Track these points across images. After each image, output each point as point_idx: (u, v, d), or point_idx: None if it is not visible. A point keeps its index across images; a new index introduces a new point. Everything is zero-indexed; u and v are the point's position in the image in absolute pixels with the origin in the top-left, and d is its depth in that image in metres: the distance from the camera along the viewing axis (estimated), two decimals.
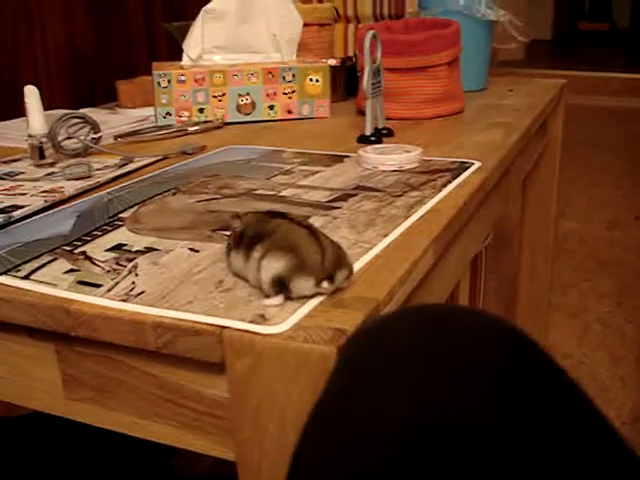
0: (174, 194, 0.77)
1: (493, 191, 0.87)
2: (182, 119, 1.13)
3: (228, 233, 0.56)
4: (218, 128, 1.12)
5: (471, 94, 1.29)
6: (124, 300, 0.52)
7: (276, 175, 0.83)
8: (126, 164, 0.90)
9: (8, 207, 0.73)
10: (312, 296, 0.50)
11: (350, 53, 1.85)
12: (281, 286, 0.49)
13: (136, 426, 0.55)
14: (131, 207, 0.73)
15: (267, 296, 0.50)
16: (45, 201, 0.75)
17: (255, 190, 0.78)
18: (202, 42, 1.20)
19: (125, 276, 0.56)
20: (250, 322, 0.47)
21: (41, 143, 0.91)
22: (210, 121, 1.12)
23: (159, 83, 1.11)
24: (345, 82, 1.33)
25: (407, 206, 0.70)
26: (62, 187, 0.81)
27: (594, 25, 7.60)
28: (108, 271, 0.57)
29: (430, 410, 0.36)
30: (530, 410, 0.37)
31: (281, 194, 0.76)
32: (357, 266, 0.56)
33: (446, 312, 0.44)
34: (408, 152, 0.85)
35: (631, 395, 1.67)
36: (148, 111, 1.21)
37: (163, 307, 0.50)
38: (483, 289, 1.47)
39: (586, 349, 1.86)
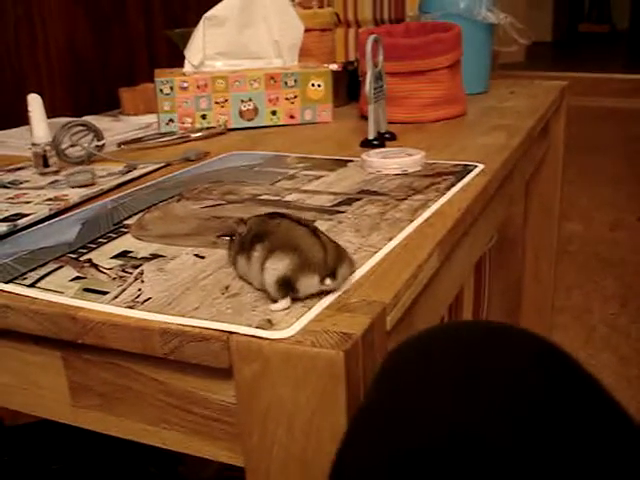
0: (178, 200, 0.78)
1: (497, 193, 0.87)
2: (185, 125, 1.13)
3: (232, 238, 0.57)
4: (221, 134, 1.12)
5: (473, 97, 1.29)
6: (130, 307, 0.52)
7: (280, 180, 0.83)
8: (130, 171, 0.90)
9: (13, 215, 0.73)
10: (317, 295, 0.50)
11: (351, 57, 1.86)
12: (287, 287, 0.48)
13: (144, 433, 0.55)
14: (135, 214, 0.74)
15: (274, 300, 0.50)
16: (50, 209, 0.76)
17: (259, 195, 0.78)
18: (204, 48, 1.21)
19: (131, 283, 0.56)
20: (257, 327, 0.47)
21: (45, 151, 0.92)
22: (213, 127, 1.12)
23: (161, 90, 1.11)
24: (347, 87, 1.33)
25: (411, 210, 0.70)
26: (66, 195, 0.81)
27: (594, 27, 7.60)
28: (114, 278, 0.57)
29: (465, 429, 0.36)
30: (569, 429, 0.37)
31: (285, 199, 0.76)
32: (363, 270, 0.56)
33: (487, 330, 0.45)
34: (411, 156, 0.85)
35: (637, 395, 1.67)
36: (151, 118, 1.21)
37: (170, 313, 0.50)
38: (488, 291, 1.46)
39: (591, 350, 1.86)
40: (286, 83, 1.15)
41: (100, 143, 0.98)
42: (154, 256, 0.61)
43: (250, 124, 1.15)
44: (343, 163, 0.89)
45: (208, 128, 1.11)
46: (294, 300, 0.50)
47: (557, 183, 1.55)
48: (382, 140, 0.99)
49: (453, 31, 1.15)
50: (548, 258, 1.61)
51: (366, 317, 0.49)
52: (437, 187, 0.77)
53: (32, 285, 0.57)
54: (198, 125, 1.13)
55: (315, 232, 0.50)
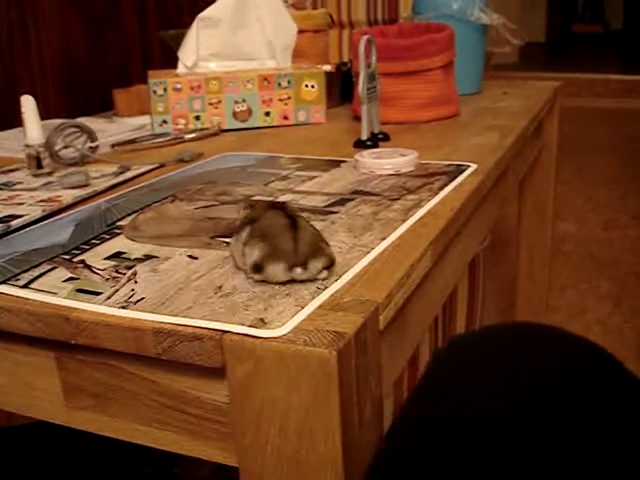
0: (172, 201, 0.78)
1: (490, 193, 0.88)
2: (179, 127, 1.13)
3: (227, 240, 0.59)
4: (215, 135, 1.12)
5: (466, 97, 1.29)
6: (124, 307, 0.52)
7: (273, 181, 0.83)
8: (123, 172, 0.90)
9: (6, 217, 0.73)
10: (288, 282, 0.53)
11: (345, 58, 1.86)
12: (259, 270, 0.53)
13: (138, 433, 0.55)
14: (129, 215, 0.74)
15: (250, 277, 0.54)
16: (43, 210, 0.76)
17: (253, 196, 0.78)
18: (197, 50, 1.21)
19: (124, 283, 0.56)
20: (250, 326, 0.48)
21: (38, 153, 0.92)
22: (207, 128, 1.12)
23: (155, 91, 1.12)
24: (340, 87, 1.33)
25: (404, 209, 0.70)
26: (60, 196, 0.81)
27: (588, 27, 7.62)
28: (107, 279, 0.57)
29: (512, 428, 0.37)
30: (618, 432, 0.37)
31: (278, 200, 0.76)
32: (355, 269, 0.56)
33: (537, 332, 0.45)
34: (404, 156, 0.85)
35: None
36: (145, 119, 1.21)
37: (162, 313, 0.50)
38: (482, 291, 1.47)
39: None
40: (280, 84, 1.15)
41: (94, 144, 0.98)
42: (147, 257, 0.62)
43: (244, 125, 1.15)
44: (336, 164, 0.90)
45: (202, 129, 1.12)
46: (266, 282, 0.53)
47: (550, 183, 1.56)
48: (375, 140, 0.99)
49: (446, 32, 1.16)
50: (542, 258, 1.61)
51: (359, 316, 0.49)
52: (430, 187, 0.77)
53: (25, 286, 0.57)
54: (192, 126, 1.13)
55: (295, 224, 0.54)
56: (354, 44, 1.12)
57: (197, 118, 1.14)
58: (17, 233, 0.70)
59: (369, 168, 0.84)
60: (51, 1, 1.45)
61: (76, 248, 0.65)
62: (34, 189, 0.85)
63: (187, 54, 1.20)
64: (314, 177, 0.84)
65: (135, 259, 0.61)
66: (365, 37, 1.00)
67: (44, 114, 0.96)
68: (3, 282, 0.57)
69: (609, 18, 7.54)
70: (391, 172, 0.83)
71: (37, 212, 0.75)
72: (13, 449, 1.04)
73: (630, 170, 3.14)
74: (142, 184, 0.86)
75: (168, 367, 0.51)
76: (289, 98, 1.16)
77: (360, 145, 0.98)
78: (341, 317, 0.49)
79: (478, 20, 1.31)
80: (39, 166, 0.92)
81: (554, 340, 0.44)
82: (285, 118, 1.17)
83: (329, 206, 0.73)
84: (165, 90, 1.12)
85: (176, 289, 0.54)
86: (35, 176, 0.91)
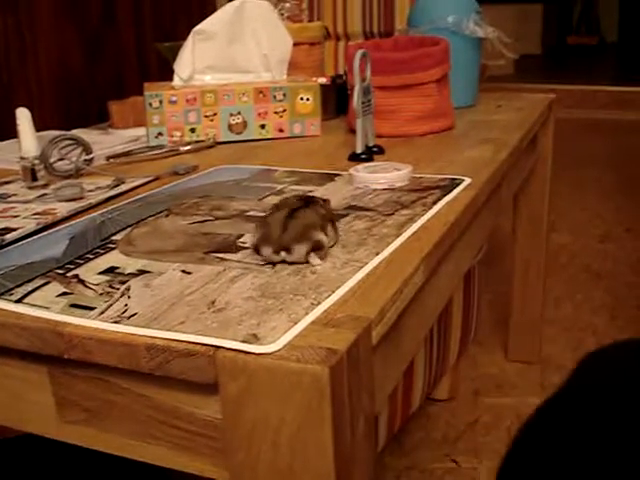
0: (167, 216, 0.78)
1: (484, 207, 0.88)
2: (174, 139, 1.13)
3: (221, 256, 0.64)
4: (210, 148, 1.12)
5: (461, 110, 1.30)
6: (117, 322, 0.52)
7: (268, 195, 0.83)
8: (118, 185, 0.90)
9: (1, 230, 0.73)
10: (279, 263, 0.62)
11: (340, 71, 1.86)
12: (258, 252, 0.62)
13: (130, 448, 0.55)
14: (124, 229, 0.74)
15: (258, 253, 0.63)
16: (37, 223, 0.76)
17: (247, 212, 0.78)
18: (193, 62, 1.21)
19: (118, 299, 0.56)
20: (243, 341, 0.48)
21: (33, 165, 0.92)
22: (202, 141, 1.12)
23: (150, 104, 1.12)
24: (336, 100, 1.33)
25: (398, 225, 0.70)
26: (54, 209, 0.81)
27: (583, 39, 7.64)
28: (101, 294, 0.57)
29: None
30: None
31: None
32: (348, 285, 0.56)
33: None
34: (399, 170, 0.85)
35: None
36: (140, 131, 1.21)
37: (155, 328, 0.50)
38: (477, 303, 1.47)
39: None
40: (275, 97, 1.15)
41: (89, 157, 0.98)
42: (141, 272, 0.62)
43: (239, 138, 1.16)
44: (331, 177, 0.90)
45: (197, 142, 1.12)
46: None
47: (545, 195, 1.56)
48: (370, 154, 0.99)
49: (441, 45, 1.16)
50: (537, 270, 1.61)
51: (351, 332, 0.49)
52: (424, 201, 0.77)
53: (19, 301, 0.57)
54: (187, 139, 1.13)
55: (292, 215, 0.62)
56: (348, 58, 1.13)
57: (192, 130, 1.14)
58: (11, 246, 0.70)
59: (364, 182, 0.85)
60: (47, 13, 1.45)
61: (70, 262, 0.65)
62: (29, 201, 0.85)
63: (183, 67, 1.21)
64: (309, 191, 0.84)
65: (129, 274, 0.61)
66: (360, 51, 1.00)
67: (40, 125, 0.96)
68: None
69: (604, 30, 7.58)
70: (385, 187, 0.84)
71: (31, 225, 0.75)
72: (5, 461, 1.03)
73: (625, 182, 3.15)
74: (137, 197, 0.86)
75: (161, 382, 0.51)
76: (284, 111, 1.16)
77: (355, 158, 0.98)
78: (333, 333, 0.49)
79: (473, 33, 1.31)
80: (34, 178, 0.92)
81: None
82: (280, 131, 1.17)
83: None
84: (161, 102, 1.12)
85: (169, 304, 0.54)
86: (30, 188, 0.91)
